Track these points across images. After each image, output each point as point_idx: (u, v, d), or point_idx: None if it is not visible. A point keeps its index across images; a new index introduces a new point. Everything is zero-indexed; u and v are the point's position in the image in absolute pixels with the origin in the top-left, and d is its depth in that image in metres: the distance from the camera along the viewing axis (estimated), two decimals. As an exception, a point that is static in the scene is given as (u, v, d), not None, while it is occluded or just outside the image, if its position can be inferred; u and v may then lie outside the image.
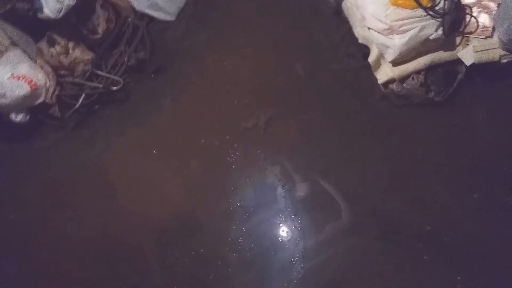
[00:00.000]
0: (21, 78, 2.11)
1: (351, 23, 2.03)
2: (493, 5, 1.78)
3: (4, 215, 2.18)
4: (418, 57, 1.84)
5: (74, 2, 2.10)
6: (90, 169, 2.26)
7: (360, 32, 1.97)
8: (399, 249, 1.76)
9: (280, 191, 2.00)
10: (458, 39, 1.83)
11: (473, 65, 1.80)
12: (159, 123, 2.29)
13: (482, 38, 1.80)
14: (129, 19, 2.42)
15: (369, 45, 1.95)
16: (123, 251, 2.00)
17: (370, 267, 1.76)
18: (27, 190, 2.25)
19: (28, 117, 2.30)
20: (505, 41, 1.71)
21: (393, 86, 1.93)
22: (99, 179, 2.22)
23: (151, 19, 2.56)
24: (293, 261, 1.85)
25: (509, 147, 1.82)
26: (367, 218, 1.86)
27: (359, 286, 1.74)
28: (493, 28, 1.78)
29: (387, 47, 1.81)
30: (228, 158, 2.10)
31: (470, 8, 1.82)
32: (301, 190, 1.98)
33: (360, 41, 2.00)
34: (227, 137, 2.14)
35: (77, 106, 2.33)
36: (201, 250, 1.92)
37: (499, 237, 1.70)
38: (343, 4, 2.06)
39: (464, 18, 1.81)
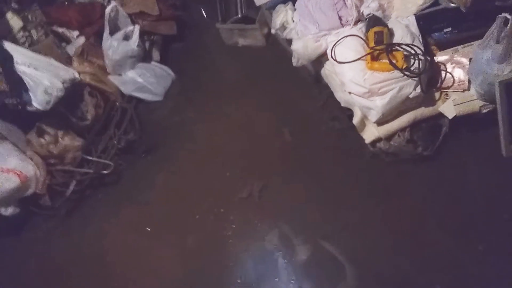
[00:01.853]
0: (10, 172, 2.11)
1: (332, 88, 2.10)
2: (465, 60, 1.86)
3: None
4: (401, 115, 1.89)
5: (63, 93, 2.17)
6: (85, 255, 2.20)
7: (341, 96, 2.03)
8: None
9: (281, 262, 1.93)
10: (437, 95, 1.88)
11: (455, 117, 1.83)
12: (152, 201, 2.28)
13: (460, 91, 1.86)
14: (117, 103, 2.49)
15: (352, 108, 2.01)
16: None
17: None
18: (23, 281, 2.16)
19: (18, 210, 2.27)
20: (482, 92, 1.76)
21: (381, 145, 1.95)
22: (95, 263, 2.17)
23: (139, 100, 2.64)
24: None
25: (503, 193, 1.81)
26: (374, 282, 1.79)
27: None
28: (469, 81, 1.84)
29: (370, 108, 1.85)
30: (224, 232, 2.06)
31: (444, 64, 1.89)
32: (302, 253, 1.92)
33: (342, 104, 2.05)
34: (222, 210, 2.12)
35: (67, 193, 2.31)
36: None
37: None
38: (322, 72, 2.14)
39: (440, 74, 1.88)
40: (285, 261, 1.92)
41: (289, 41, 2.21)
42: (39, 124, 2.28)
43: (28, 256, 2.25)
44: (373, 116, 1.84)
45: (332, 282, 1.82)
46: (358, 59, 1.88)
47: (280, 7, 2.18)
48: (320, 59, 2.08)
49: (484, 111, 1.83)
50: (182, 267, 2.02)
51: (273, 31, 2.27)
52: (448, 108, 1.85)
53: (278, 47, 2.51)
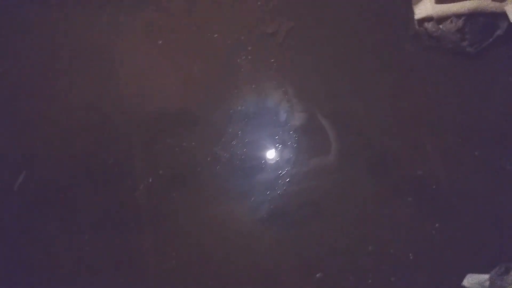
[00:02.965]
0: None
1: None
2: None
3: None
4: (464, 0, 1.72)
5: None
6: (95, 41, 2.11)
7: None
8: (386, 186, 1.78)
9: (283, 106, 1.94)
10: (511, -9, 1.70)
11: (516, 23, 1.70)
12: (176, 13, 2.12)
13: (536, -4, 1.68)
14: None
15: (416, -26, 1.81)
16: (113, 128, 1.95)
17: (353, 197, 1.78)
18: (26, 43, 2.12)
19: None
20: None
21: (429, 25, 1.82)
22: (102, 53, 2.09)
23: None
24: (280, 173, 1.85)
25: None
26: (361, 149, 1.85)
27: (337, 210, 1.77)
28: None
29: (437, -22, 1.67)
30: (238, 60, 2.00)
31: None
32: (297, 119, 1.92)
33: (408, -32, 1.85)
34: (242, 37, 2.03)
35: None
36: (193, 143, 1.89)
37: (486, 197, 1.72)
38: None
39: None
40: (287, 108, 1.92)
41: None
42: None
43: (38, 18, 2.16)
44: (438, -13, 1.68)
45: (315, 152, 1.85)
46: None
47: None
48: None
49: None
50: (188, 82, 1.99)
51: None
52: (515, 9, 1.69)
53: None
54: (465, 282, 1.23)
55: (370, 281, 1.71)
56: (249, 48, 2.02)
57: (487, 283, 1.19)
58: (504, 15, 1.73)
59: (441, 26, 1.80)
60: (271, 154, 1.89)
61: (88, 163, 1.90)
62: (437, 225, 1.70)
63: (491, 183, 1.73)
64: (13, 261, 1.83)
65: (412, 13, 1.86)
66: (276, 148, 1.89)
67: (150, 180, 1.85)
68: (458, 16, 1.76)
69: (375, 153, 1.84)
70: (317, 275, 1.70)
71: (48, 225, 1.84)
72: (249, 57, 2.01)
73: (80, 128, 1.98)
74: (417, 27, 1.88)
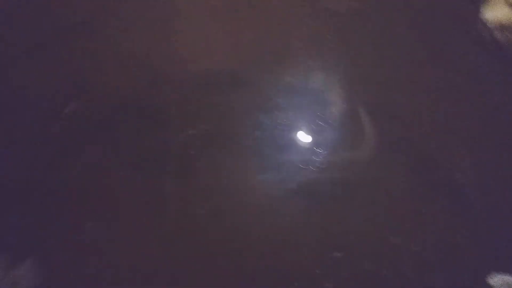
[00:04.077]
0: None
1: None
2: None
3: None
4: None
5: None
6: None
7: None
8: (421, 184, 1.78)
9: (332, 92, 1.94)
10: None
11: None
12: None
13: None
14: None
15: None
16: (165, 77, 1.99)
17: (387, 188, 1.79)
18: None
19: None
20: None
21: (496, 31, 1.79)
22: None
23: None
24: (317, 153, 1.86)
25: None
26: (401, 146, 1.85)
27: (369, 197, 1.78)
28: None
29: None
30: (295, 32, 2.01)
31: None
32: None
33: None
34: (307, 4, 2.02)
35: None
36: (237, 105, 1.92)
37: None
38: None
39: None
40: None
41: None
42: None
43: None
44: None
45: (354, 143, 1.87)
46: None
47: None
48: None
49: None
50: (237, 55, 2.02)
51: None
52: None
53: None
54: (491, 281, 1.22)
55: (385, 274, 1.72)
56: (309, 22, 2.02)
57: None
58: None
59: (509, 34, 1.76)
60: (310, 134, 1.90)
61: (136, 105, 1.95)
62: (464, 231, 1.70)
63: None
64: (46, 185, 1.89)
65: (479, 14, 1.82)
66: (316, 129, 1.90)
67: (190, 132, 1.89)
68: (529, 27, 1.72)
69: (415, 152, 1.84)
70: (337, 253, 1.72)
71: (87, 155, 1.90)
72: (305, 29, 2.01)
73: (133, 73, 2.02)
74: (482, 31, 1.85)
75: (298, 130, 1.91)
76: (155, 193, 1.83)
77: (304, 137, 1.90)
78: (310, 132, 1.90)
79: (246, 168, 1.87)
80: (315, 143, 1.88)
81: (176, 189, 1.84)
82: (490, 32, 1.81)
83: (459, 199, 1.75)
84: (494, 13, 1.78)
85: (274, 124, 1.89)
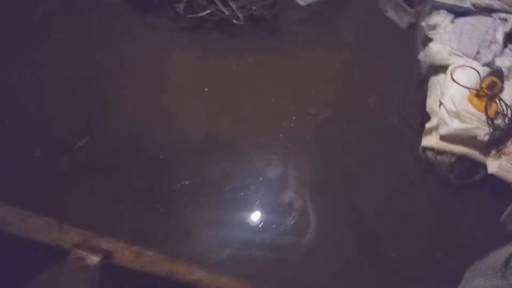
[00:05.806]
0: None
1: (429, 93, 2.51)
2: (530, 146, 2.28)
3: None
4: (459, 145, 2.31)
5: None
6: (160, 68, 2.64)
7: (431, 104, 2.45)
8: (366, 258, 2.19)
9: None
10: (494, 151, 2.30)
11: (492, 175, 2.27)
12: (237, 71, 2.69)
13: (510, 163, 2.28)
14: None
15: (431, 116, 2.42)
16: (166, 135, 2.40)
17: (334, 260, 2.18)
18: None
19: (159, -3, 2.73)
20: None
21: (429, 153, 2.39)
22: (153, 71, 2.61)
23: (288, -6, 3.02)
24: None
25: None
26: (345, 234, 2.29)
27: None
28: (521, 162, 2.26)
29: (445, 124, 2.28)
30: (283, 123, 2.53)
31: (515, 139, 2.31)
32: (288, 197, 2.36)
33: (427, 109, 2.47)
34: (291, 108, 2.58)
35: (199, 15, 2.76)
36: (227, 169, 2.33)
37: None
38: (431, 78, 2.54)
39: (508, 141, 2.29)
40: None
41: (426, 40, 2.60)
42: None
43: (124, 29, 2.72)
44: (444, 130, 2.27)
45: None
46: (467, 88, 2.29)
47: (444, 12, 2.54)
48: (439, 68, 2.48)
49: (512, 186, 2.26)
50: (233, 122, 2.49)
51: (423, 23, 2.63)
52: (493, 166, 2.27)
53: (411, 38, 2.88)
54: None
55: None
56: (294, 118, 2.56)
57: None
58: (484, 166, 2.31)
59: (438, 157, 2.37)
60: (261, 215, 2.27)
61: (142, 152, 2.31)
62: None
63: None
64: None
65: (420, 141, 2.44)
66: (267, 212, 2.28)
67: (186, 183, 2.25)
68: (452, 154, 2.34)
69: (360, 231, 2.28)
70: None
71: (91, 186, 2.18)
72: (292, 125, 2.54)
73: (142, 124, 2.42)
74: (420, 152, 2.45)
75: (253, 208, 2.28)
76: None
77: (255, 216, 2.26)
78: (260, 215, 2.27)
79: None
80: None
81: (161, 229, 2.14)
82: (425, 153, 2.42)
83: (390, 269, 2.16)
84: (428, 140, 2.40)
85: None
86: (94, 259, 0.78)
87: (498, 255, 1.17)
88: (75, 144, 2.30)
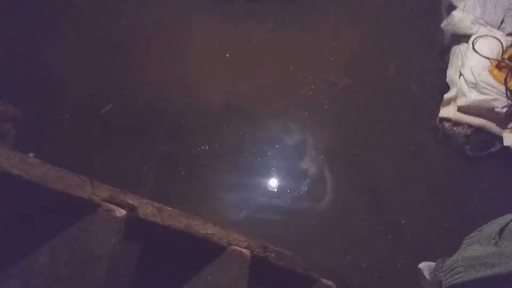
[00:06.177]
0: None
1: (450, 63, 2.49)
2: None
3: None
4: (478, 117, 2.31)
5: None
6: (182, 35, 2.70)
7: (451, 74, 2.43)
8: (374, 221, 2.28)
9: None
10: (511, 124, 2.30)
11: (508, 148, 2.28)
12: (257, 37, 2.71)
13: (527, 135, 2.28)
14: None
15: (450, 86, 2.42)
16: (189, 101, 2.49)
17: (345, 222, 2.27)
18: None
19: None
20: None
21: (446, 124, 2.40)
22: (183, 46, 2.67)
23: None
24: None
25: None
26: (359, 195, 2.36)
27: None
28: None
29: (464, 95, 2.28)
30: (301, 91, 2.57)
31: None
32: (306, 165, 2.42)
33: (447, 79, 2.46)
34: (311, 77, 2.61)
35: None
36: (246, 135, 2.41)
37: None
38: (453, 48, 2.51)
39: (527, 114, 2.28)
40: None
41: (450, 7, 2.55)
42: None
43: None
44: (462, 101, 2.28)
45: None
46: (488, 58, 2.26)
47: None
48: (461, 37, 2.44)
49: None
50: (249, 91, 2.55)
51: (448, -9, 2.57)
52: (509, 138, 2.28)
53: (436, 4, 2.82)
54: (420, 265, 1.63)
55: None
56: (312, 86, 2.60)
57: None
58: (501, 138, 2.32)
59: (455, 128, 2.38)
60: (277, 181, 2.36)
61: (164, 118, 2.41)
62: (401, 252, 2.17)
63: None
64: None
65: (438, 111, 2.45)
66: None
67: (206, 148, 2.35)
68: (469, 126, 2.34)
69: (373, 198, 2.35)
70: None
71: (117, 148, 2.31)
72: (310, 93, 2.58)
73: (165, 89, 2.51)
74: (437, 122, 2.46)
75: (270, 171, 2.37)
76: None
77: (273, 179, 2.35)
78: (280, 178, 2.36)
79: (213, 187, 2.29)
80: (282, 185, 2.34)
81: (182, 190, 2.26)
82: (442, 124, 2.43)
83: (400, 235, 2.25)
84: (445, 111, 2.41)
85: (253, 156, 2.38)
86: (121, 211, 0.90)
87: (494, 225, 1.23)
88: (102, 109, 2.41)
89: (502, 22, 2.35)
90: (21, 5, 2.67)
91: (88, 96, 2.45)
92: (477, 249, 1.18)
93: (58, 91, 2.45)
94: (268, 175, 2.36)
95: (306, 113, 2.52)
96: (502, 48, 2.30)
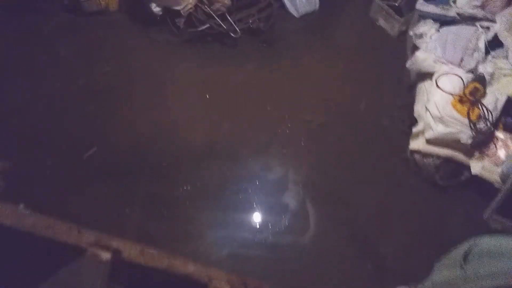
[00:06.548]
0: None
1: (416, 99, 2.66)
2: (512, 148, 2.42)
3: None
4: (445, 148, 2.46)
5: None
6: (155, 71, 2.83)
7: (418, 109, 2.59)
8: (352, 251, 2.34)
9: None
10: (477, 153, 2.44)
11: (476, 176, 2.41)
12: (236, 80, 2.86)
13: (493, 164, 2.42)
14: (268, -5, 3.05)
15: (418, 120, 2.57)
16: (170, 145, 2.57)
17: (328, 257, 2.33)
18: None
19: (160, 13, 2.92)
20: (503, 173, 2.32)
21: (416, 156, 2.54)
22: (157, 82, 2.79)
23: (282, 5, 3.20)
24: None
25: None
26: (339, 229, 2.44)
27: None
28: (503, 162, 2.40)
29: (431, 128, 2.42)
30: (279, 130, 2.69)
31: (498, 140, 2.44)
32: (287, 199, 2.51)
33: (414, 114, 2.62)
34: (287, 116, 2.74)
35: (199, 29, 2.93)
36: (227, 173, 2.49)
37: None
38: (419, 85, 2.68)
39: (490, 143, 2.43)
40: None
41: (414, 48, 2.75)
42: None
43: (131, 45, 2.91)
44: (430, 134, 2.42)
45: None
46: (451, 94, 2.43)
47: (430, 22, 2.69)
48: (426, 75, 2.63)
49: (496, 186, 2.39)
50: (229, 131, 2.65)
51: (411, 33, 2.78)
52: (476, 167, 2.42)
53: (401, 45, 3.03)
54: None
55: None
56: (289, 125, 2.72)
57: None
58: (468, 167, 2.45)
59: (425, 159, 2.51)
60: (258, 216, 2.41)
61: (146, 160, 2.48)
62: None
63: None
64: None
65: (408, 144, 2.59)
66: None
67: (188, 188, 2.42)
68: (438, 157, 2.48)
69: (352, 228, 2.42)
70: None
71: (100, 191, 2.36)
72: (287, 131, 2.70)
73: (146, 133, 2.60)
74: (408, 155, 2.60)
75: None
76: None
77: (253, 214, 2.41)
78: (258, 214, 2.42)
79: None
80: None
81: (165, 231, 2.31)
82: (413, 156, 2.57)
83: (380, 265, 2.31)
84: (415, 144, 2.55)
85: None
86: (107, 255, 0.96)
87: (460, 249, 1.32)
88: (85, 154, 2.47)
89: (461, 60, 2.54)
90: (3, 55, 2.78)
91: (72, 142, 2.52)
92: (445, 274, 1.26)
93: (42, 139, 2.51)
94: (250, 211, 2.43)
95: (284, 151, 2.62)
96: (463, 84, 2.47)
